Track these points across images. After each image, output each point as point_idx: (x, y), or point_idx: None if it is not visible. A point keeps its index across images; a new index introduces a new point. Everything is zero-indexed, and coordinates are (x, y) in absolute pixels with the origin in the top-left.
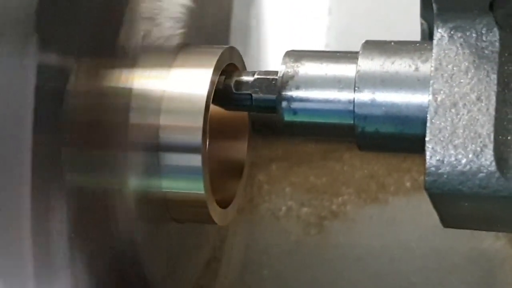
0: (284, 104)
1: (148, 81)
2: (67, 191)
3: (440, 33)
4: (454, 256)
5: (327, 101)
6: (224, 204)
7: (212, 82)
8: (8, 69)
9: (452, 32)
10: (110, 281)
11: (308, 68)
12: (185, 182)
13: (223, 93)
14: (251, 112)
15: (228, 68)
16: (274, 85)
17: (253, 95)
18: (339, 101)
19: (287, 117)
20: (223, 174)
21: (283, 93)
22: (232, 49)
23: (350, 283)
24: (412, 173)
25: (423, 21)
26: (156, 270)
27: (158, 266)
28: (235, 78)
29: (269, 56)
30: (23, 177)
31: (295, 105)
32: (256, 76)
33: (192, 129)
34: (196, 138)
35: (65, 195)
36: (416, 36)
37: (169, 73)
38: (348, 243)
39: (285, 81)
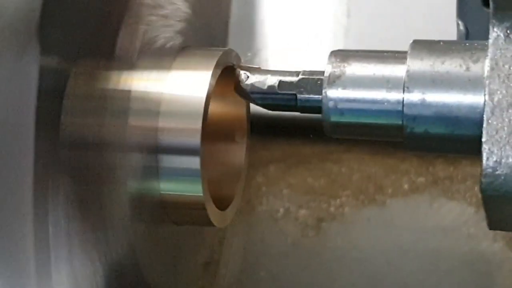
0: (330, 104)
1: (147, 83)
2: (66, 193)
3: (496, 32)
4: (452, 258)
5: (375, 101)
6: (222, 206)
7: (211, 84)
8: (9, 71)
9: (508, 32)
10: (108, 283)
11: (355, 68)
12: (183, 184)
13: (266, 93)
14: (295, 112)
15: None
16: (320, 85)
17: (298, 95)
18: (387, 102)
19: (334, 118)
20: (221, 176)
21: (330, 93)
22: (231, 51)
23: (347, 285)
24: (410, 175)
25: (459, 21)
26: (154, 272)
27: (156, 268)
28: (278, 78)
29: (269, 58)
30: (24, 179)
31: (342, 105)
32: (301, 76)
33: (190, 131)
34: (195, 140)
35: (64, 197)
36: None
37: (168, 75)
38: (345, 245)
39: (332, 81)
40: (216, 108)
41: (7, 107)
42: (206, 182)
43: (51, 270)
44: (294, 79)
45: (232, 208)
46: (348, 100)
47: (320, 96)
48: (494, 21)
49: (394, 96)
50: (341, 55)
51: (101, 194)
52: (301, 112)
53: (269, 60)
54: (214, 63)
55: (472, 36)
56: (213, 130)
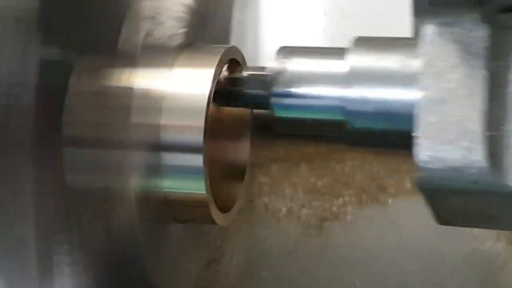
0: (275, 100)
1: (149, 80)
2: (68, 190)
3: (428, 29)
4: (455, 258)
5: (317, 97)
6: (225, 204)
7: (213, 82)
8: (10, 66)
9: (440, 28)
10: (111, 281)
11: (299, 64)
12: (186, 182)
13: (216, 89)
14: (244, 108)
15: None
16: (266, 81)
17: (245, 91)
18: (329, 97)
19: (278, 113)
20: (225, 174)
21: (275, 89)
22: (234, 48)
23: (350, 284)
24: (413, 175)
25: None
26: (156, 270)
27: (158, 266)
28: (228, 75)
29: (267, 56)
30: (25, 176)
31: (286, 101)
32: (249, 72)
33: (193, 128)
34: (198, 137)
35: (66, 194)
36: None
37: (170, 73)
38: (348, 245)
39: (276, 77)
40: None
41: (7, 102)
42: (209, 180)
43: (53, 269)
44: (242, 75)
45: (235, 206)
46: (292, 96)
47: (266, 92)
48: (426, 17)
49: (335, 91)
50: (286, 51)
51: (104, 192)
52: (250, 108)
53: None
54: (217, 60)
55: None
56: (216, 128)
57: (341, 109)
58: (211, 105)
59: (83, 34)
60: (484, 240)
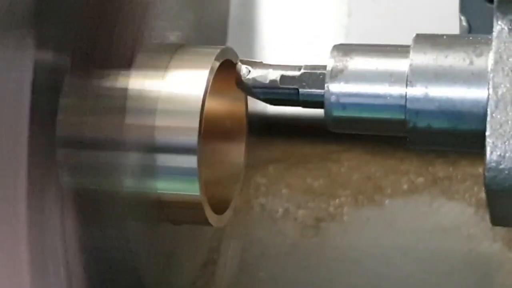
0: (333, 98)
1: (144, 81)
2: (62, 191)
3: (500, 25)
4: (451, 259)
5: (377, 95)
6: (220, 205)
7: (208, 83)
8: (4, 66)
9: None
10: (104, 282)
11: (357, 62)
12: (180, 183)
13: (267, 88)
14: (296, 107)
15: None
16: (322, 79)
17: (300, 89)
18: (390, 96)
19: (336, 112)
20: (220, 175)
21: (332, 87)
22: (229, 49)
23: (346, 285)
24: (410, 175)
25: (462, 17)
26: (151, 272)
27: (153, 268)
28: (280, 72)
29: (267, 57)
30: (18, 177)
31: (344, 99)
32: (303, 70)
33: (187, 130)
34: (192, 139)
35: (60, 195)
36: None
37: (165, 74)
38: (344, 245)
39: (334, 75)
40: (214, 106)
41: (1, 103)
42: (203, 181)
43: (46, 270)
44: (296, 73)
45: (230, 207)
46: (351, 95)
47: (322, 91)
48: (498, 14)
49: (396, 90)
50: (344, 49)
51: (98, 192)
52: (303, 107)
53: (268, 60)
54: (212, 61)
55: (474, 31)
56: (211, 129)
57: (402, 108)
58: (205, 105)
59: (77, 35)
60: (481, 241)
